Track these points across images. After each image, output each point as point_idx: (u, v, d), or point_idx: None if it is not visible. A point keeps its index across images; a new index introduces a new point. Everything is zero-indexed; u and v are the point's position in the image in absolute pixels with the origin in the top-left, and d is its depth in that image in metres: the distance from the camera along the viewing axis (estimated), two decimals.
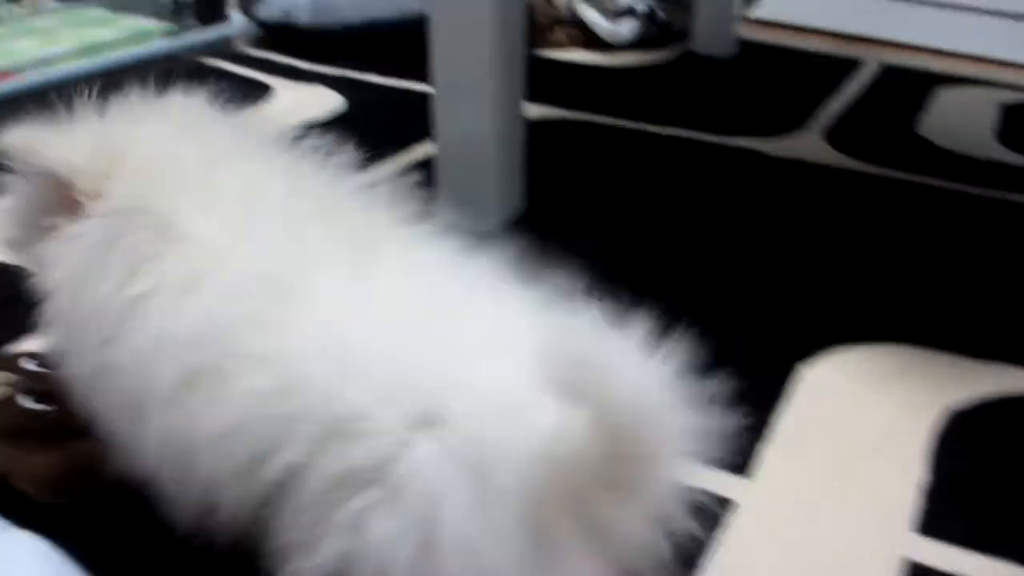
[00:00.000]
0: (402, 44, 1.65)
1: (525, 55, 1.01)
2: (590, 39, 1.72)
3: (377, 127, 1.31)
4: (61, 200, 0.50)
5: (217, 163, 0.51)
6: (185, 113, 0.55)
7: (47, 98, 0.55)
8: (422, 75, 1.52)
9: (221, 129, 0.55)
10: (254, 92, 1.43)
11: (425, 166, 1.17)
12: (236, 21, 1.66)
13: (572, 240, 1.00)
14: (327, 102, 1.40)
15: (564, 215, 1.08)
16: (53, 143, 0.51)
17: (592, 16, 1.69)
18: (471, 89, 0.95)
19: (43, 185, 0.51)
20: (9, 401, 0.61)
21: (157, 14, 1.63)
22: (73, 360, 0.50)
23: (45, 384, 0.63)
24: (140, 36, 1.55)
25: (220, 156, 0.51)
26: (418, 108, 1.38)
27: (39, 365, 0.66)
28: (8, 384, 0.62)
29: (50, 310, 0.51)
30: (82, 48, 1.47)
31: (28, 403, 0.61)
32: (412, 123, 1.32)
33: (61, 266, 0.50)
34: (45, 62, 1.41)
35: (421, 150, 1.22)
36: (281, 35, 1.65)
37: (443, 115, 0.99)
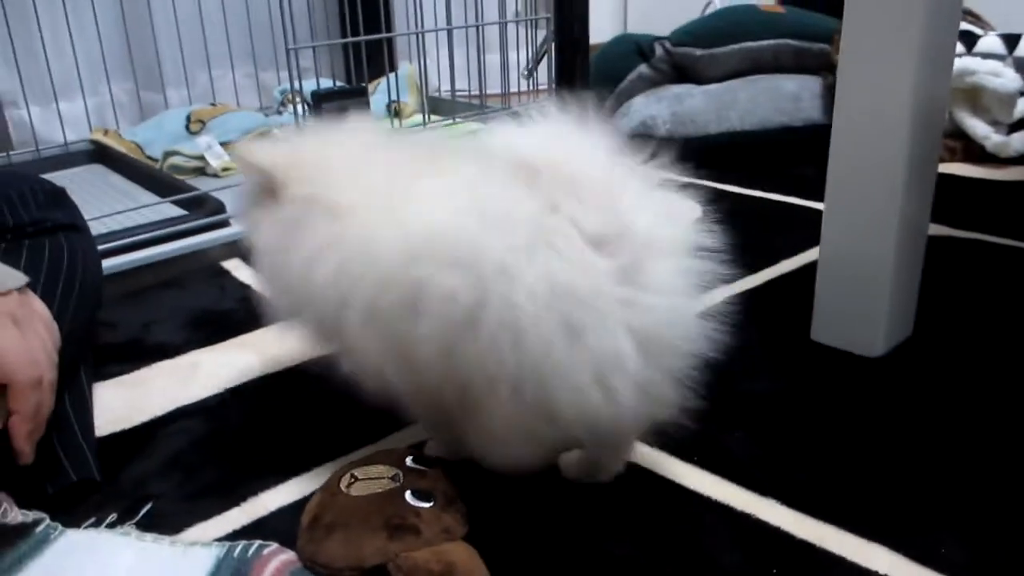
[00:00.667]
0: (762, 155, 1.60)
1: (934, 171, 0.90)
2: (972, 152, 1.55)
3: (735, 237, 1.25)
4: (268, 189, 0.72)
5: (354, 158, 0.71)
6: (348, 131, 0.75)
7: None
8: (782, 186, 1.47)
9: (367, 137, 0.74)
10: None
11: (791, 280, 1.09)
12: None
13: (960, 374, 0.86)
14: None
15: (952, 345, 0.93)
16: (262, 152, 0.73)
17: (980, 128, 1.53)
18: (875, 206, 0.86)
19: (258, 180, 0.73)
20: (396, 495, 0.60)
21: None
22: (274, 291, 0.73)
23: (425, 481, 0.63)
24: None
25: (358, 153, 0.72)
26: (778, 219, 1.31)
27: (418, 462, 0.65)
28: (393, 478, 0.62)
29: (259, 260, 0.74)
30: None
31: (412, 500, 0.60)
32: (771, 234, 1.25)
33: (267, 232, 0.72)
34: None
35: (787, 263, 1.14)
36: (637, 145, 1.67)
37: (834, 229, 0.90)
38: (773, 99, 1.62)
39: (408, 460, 0.65)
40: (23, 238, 0.83)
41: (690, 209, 0.65)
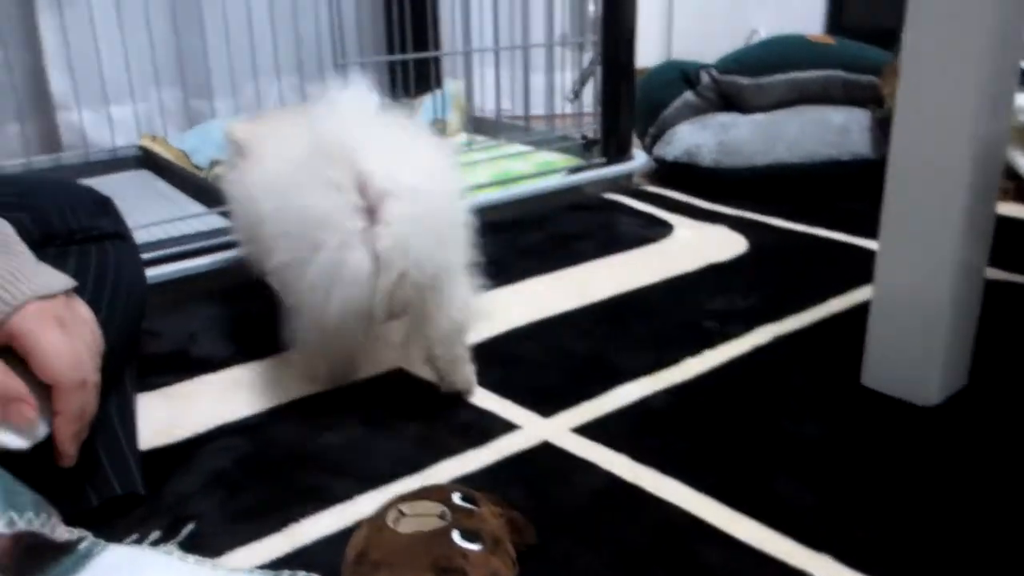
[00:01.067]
0: (807, 189, 1.59)
1: (992, 212, 0.88)
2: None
3: (782, 273, 1.24)
4: (238, 152, 1.04)
5: (287, 131, 0.96)
6: (290, 113, 1.09)
7: None
8: (828, 222, 1.45)
9: (300, 118, 0.95)
10: (654, 228, 1.43)
11: (840, 321, 1.07)
12: (638, 158, 1.69)
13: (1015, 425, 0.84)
14: (729, 243, 1.36)
15: (1011, 397, 0.91)
16: (237, 128, 1.06)
17: None
18: (932, 248, 0.84)
19: (234, 147, 1.06)
20: (444, 534, 0.59)
21: (567, 150, 1.71)
22: (238, 219, 1.05)
23: (473, 521, 0.62)
24: (549, 169, 1.63)
25: (289, 128, 0.96)
26: (824, 256, 1.30)
27: (465, 499, 0.65)
28: (441, 516, 0.62)
29: (228, 193, 1.08)
30: (498, 179, 1.57)
31: (460, 541, 0.59)
32: (818, 271, 1.23)
33: (234, 182, 1.05)
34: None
35: (836, 302, 1.12)
36: (681, 173, 1.66)
37: (888, 271, 0.88)
38: (821, 131, 1.60)
39: (456, 498, 0.64)
40: (71, 245, 0.83)
41: (445, 163, 0.90)
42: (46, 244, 0.81)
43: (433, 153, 0.89)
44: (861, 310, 1.08)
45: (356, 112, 0.86)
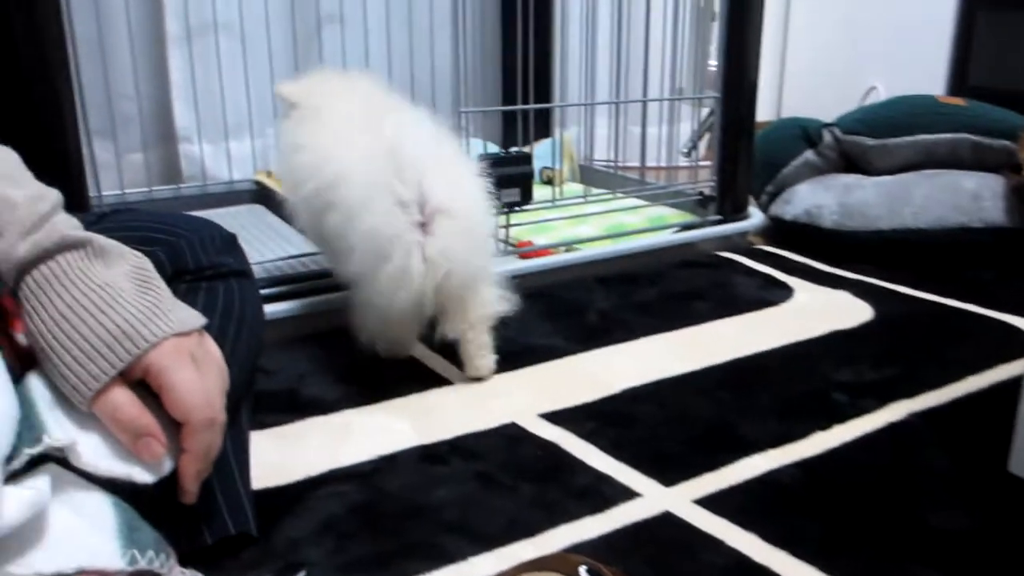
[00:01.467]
0: (933, 255, 1.51)
1: None
2: None
3: (911, 344, 1.17)
4: (291, 106, 1.18)
5: (339, 93, 1.16)
6: (341, 78, 1.23)
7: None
8: (958, 291, 1.37)
9: (354, 83, 1.19)
10: (773, 289, 1.38)
11: (983, 399, 1.00)
12: (754, 217, 1.64)
13: None
14: (852, 310, 1.29)
15: None
16: (288, 85, 1.20)
17: None
18: None
19: (286, 102, 1.19)
20: None
21: (681, 206, 1.67)
22: (282, 172, 1.24)
23: None
24: (662, 224, 1.59)
25: (342, 90, 1.17)
26: (955, 328, 1.23)
27: (592, 572, 0.61)
28: None
29: (280, 150, 1.22)
30: (608, 231, 1.55)
31: None
32: (951, 344, 1.16)
33: (285, 131, 1.18)
34: (575, 242, 1.50)
35: (973, 380, 1.05)
36: (799, 234, 1.60)
37: None
38: (952, 197, 1.53)
39: (583, 571, 0.61)
40: (200, 281, 0.84)
41: (480, 184, 1.05)
42: (177, 278, 0.82)
43: (474, 179, 1.05)
44: (1002, 390, 1.02)
45: (422, 137, 1.03)
